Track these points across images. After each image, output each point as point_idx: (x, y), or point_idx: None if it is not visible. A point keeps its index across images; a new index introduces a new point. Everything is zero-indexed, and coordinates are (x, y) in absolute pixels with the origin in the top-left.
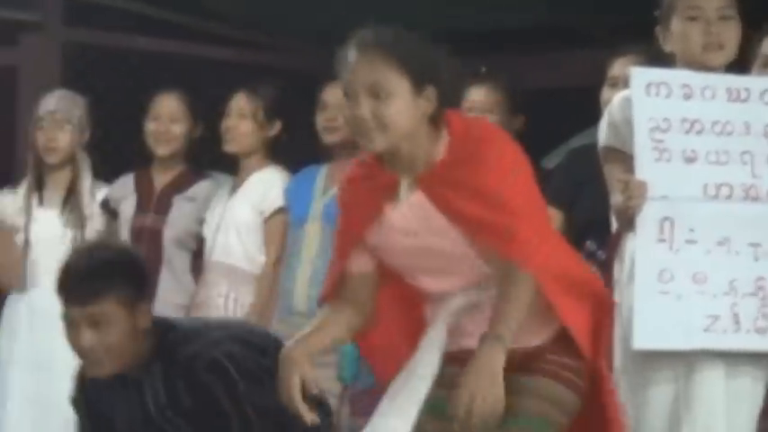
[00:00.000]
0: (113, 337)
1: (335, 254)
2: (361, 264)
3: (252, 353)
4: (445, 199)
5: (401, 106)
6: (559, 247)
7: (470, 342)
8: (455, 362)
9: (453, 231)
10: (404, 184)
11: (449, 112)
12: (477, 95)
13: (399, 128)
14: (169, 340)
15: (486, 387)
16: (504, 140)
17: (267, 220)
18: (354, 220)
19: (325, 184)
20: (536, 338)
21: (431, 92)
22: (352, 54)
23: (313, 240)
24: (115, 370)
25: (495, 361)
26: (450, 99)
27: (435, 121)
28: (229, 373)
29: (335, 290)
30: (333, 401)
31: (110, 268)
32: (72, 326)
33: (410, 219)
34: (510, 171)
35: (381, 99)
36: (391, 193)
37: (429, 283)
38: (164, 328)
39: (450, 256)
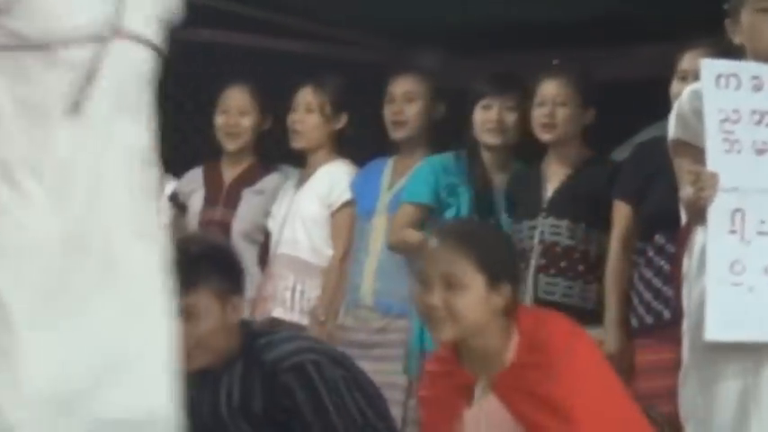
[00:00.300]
0: (203, 329)
1: None
2: None
3: (333, 364)
4: (516, 405)
5: (474, 300)
6: None
7: None
8: None
9: None
10: (479, 386)
11: (520, 308)
12: (549, 89)
13: (469, 321)
14: (257, 343)
15: None
16: (574, 346)
17: (334, 214)
18: (436, 418)
19: (391, 177)
20: None
21: (505, 288)
22: (432, 242)
23: (380, 234)
24: (202, 364)
25: None
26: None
27: (507, 315)
28: (313, 381)
29: None
30: (400, 394)
31: (204, 260)
32: None
33: (484, 422)
34: (578, 379)
35: (455, 290)
36: (467, 393)
37: None
38: (251, 332)
39: None
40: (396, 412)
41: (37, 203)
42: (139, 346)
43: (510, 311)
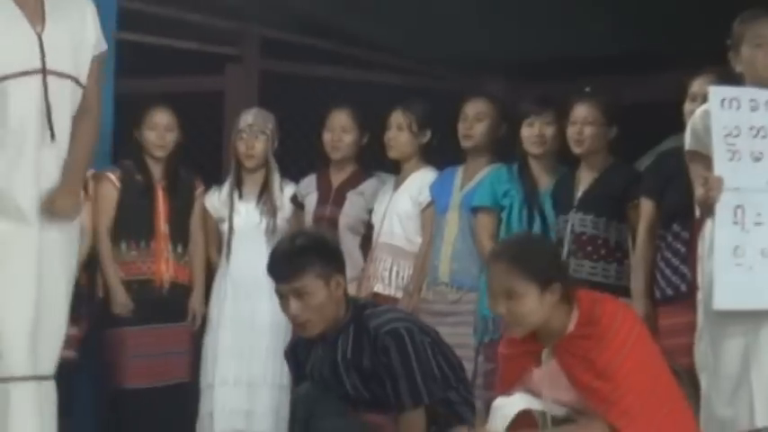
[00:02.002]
0: (314, 304)
1: (499, 388)
2: None
3: (421, 332)
4: (570, 368)
5: (531, 305)
6: (674, 417)
7: None
8: None
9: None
10: (546, 352)
11: (579, 291)
12: (580, 111)
13: (531, 321)
14: (364, 314)
15: None
16: (621, 322)
17: (423, 210)
18: (510, 372)
19: (462, 181)
20: None
21: (556, 285)
22: (491, 262)
23: (453, 226)
24: (319, 330)
25: None
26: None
27: (566, 301)
28: (405, 342)
29: None
30: (471, 352)
31: (306, 250)
32: (282, 298)
33: (547, 379)
34: (621, 349)
35: (515, 300)
36: (536, 357)
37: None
38: (359, 305)
39: (576, 404)
40: (468, 366)
41: None
42: None
43: (567, 298)
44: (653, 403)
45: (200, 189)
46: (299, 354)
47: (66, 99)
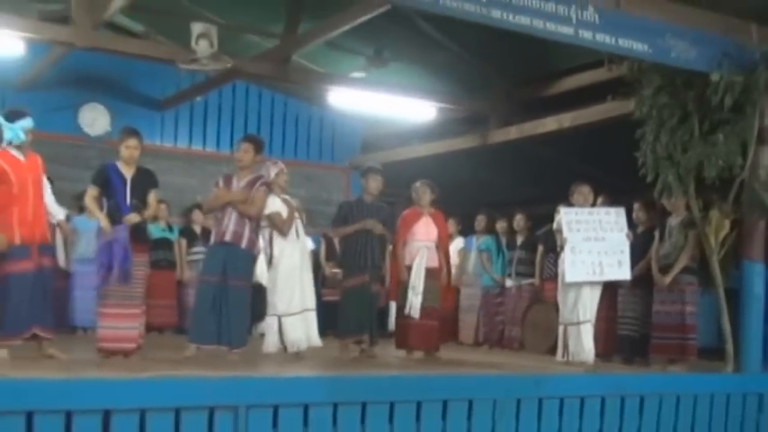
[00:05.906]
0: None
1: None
2: None
3: None
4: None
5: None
6: None
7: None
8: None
9: None
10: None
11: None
12: (517, 219)
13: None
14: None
15: None
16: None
17: (457, 251)
18: (407, 225)
19: (476, 240)
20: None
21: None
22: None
23: (474, 257)
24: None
25: None
26: None
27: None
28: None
29: None
30: (479, 297)
31: None
32: None
33: (423, 225)
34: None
35: None
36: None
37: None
38: None
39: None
40: (477, 301)
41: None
42: None
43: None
44: None
45: None
46: (353, 208)
47: None
